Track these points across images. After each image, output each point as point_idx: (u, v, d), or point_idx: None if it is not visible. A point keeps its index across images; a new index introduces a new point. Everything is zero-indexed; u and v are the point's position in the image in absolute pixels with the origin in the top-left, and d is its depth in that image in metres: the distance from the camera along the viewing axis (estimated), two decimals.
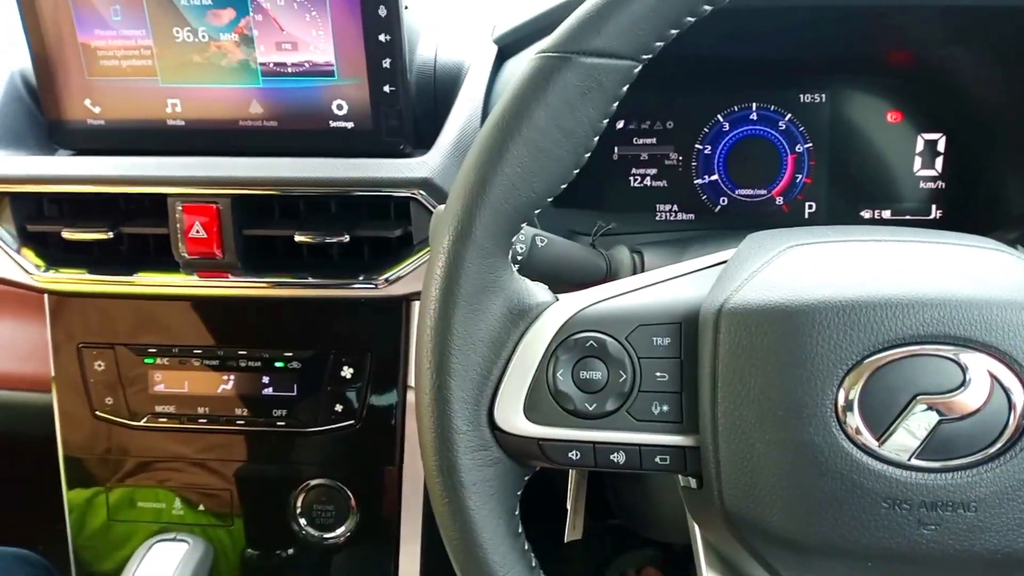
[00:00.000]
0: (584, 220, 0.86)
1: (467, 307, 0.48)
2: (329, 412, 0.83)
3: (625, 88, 0.48)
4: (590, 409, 0.49)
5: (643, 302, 0.51)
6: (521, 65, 0.49)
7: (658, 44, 0.47)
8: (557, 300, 0.51)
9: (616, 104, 0.48)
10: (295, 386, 0.84)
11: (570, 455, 0.50)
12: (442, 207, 0.50)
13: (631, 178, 0.90)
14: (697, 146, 0.88)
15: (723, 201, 0.89)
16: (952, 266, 0.47)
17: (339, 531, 0.88)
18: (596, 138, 0.49)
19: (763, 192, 0.88)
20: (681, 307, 0.50)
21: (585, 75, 0.47)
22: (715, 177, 0.89)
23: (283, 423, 0.84)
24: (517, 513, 0.51)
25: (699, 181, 0.89)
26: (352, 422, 0.84)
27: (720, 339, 0.47)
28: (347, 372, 0.83)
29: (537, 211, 0.50)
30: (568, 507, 0.67)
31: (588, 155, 0.49)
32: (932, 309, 0.44)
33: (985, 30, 0.77)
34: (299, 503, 0.88)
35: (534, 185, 0.48)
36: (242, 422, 0.84)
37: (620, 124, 0.89)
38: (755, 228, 0.58)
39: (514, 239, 0.50)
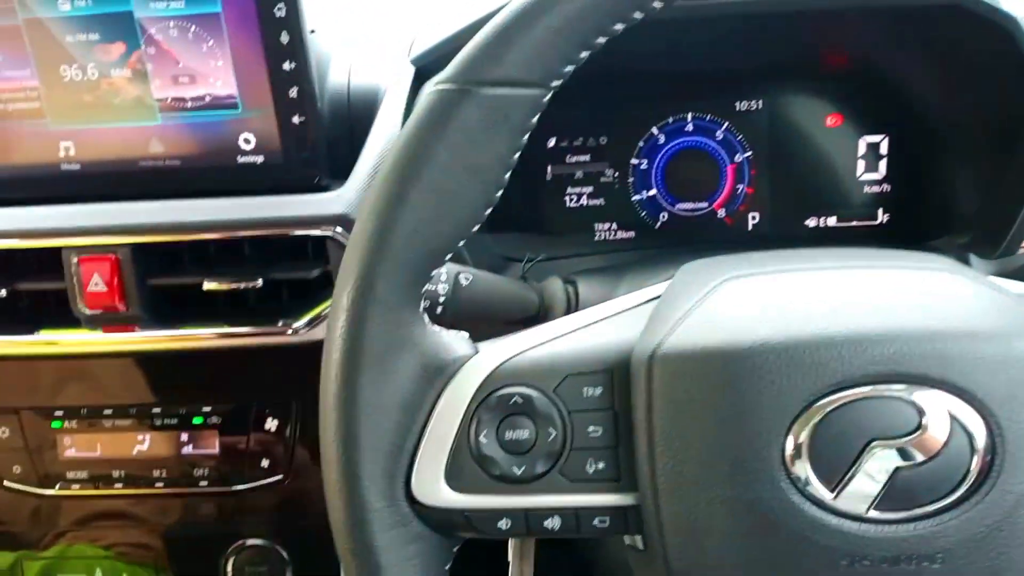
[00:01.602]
0: (519, 245, 0.81)
1: (374, 370, 0.43)
2: (255, 468, 0.78)
3: (535, 119, 0.44)
4: (518, 473, 0.45)
5: (571, 348, 0.46)
6: (419, 98, 0.44)
7: (568, 69, 0.43)
8: (477, 352, 0.47)
9: (527, 136, 0.44)
10: (216, 442, 0.78)
11: (499, 525, 0.45)
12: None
13: (567, 198, 0.85)
14: (633, 161, 0.84)
15: (663, 217, 0.85)
16: (900, 294, 0.44)
17: None
18: (508, 174, 0.44)
19: (704, 205, 0.84)
20: (612, 353, 0.45)
21: (488, 108, 0.42)
22: (653, 192, 0.84)
23: (206, 482, 0.78)
24: None
25: (637, 197, 0.85)
26: (280, 477, 0.78)
27: (654, 388, 0.43)
28: (271, 424, 0.77)
29: (448, 256, 0.45)
30: (511, 565, 0.63)
31: (500, 192, 0.44)
32: (880, 346, 0.40)
33: (918, 31, 0.74)
34: (230, 566, 0.82)
35: (441, 230, 0.43)
36: (161, 484, 0.78)
37: (552, 142, 0.84)
38: (698, 243, 0.54)
39: (430, 284, 0.45)
